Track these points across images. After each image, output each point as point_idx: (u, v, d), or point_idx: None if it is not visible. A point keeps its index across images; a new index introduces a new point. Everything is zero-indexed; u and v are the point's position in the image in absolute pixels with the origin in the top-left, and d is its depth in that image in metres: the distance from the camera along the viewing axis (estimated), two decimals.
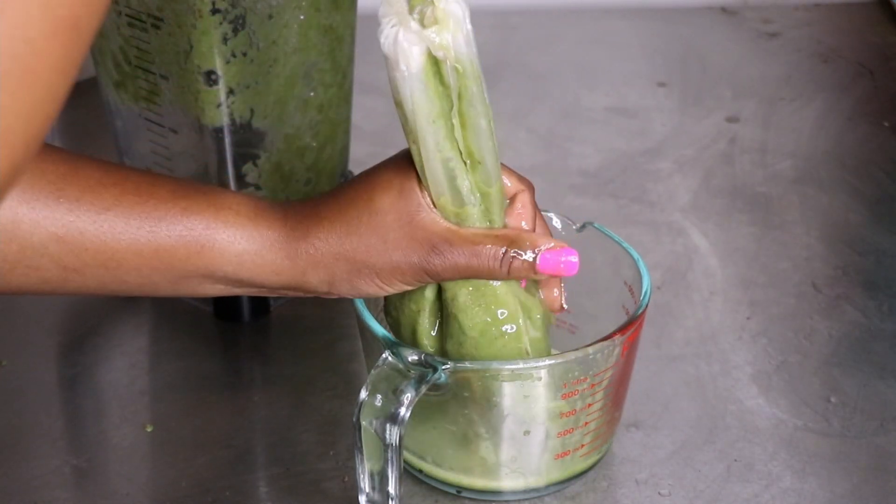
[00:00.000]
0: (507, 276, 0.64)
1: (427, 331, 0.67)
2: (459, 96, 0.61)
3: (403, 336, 0.68)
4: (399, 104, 0.61)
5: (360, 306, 0.68)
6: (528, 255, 0.64)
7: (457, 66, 0.59)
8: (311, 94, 0.82)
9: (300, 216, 0.64)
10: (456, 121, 0.61)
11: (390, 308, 0.69)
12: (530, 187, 0.67)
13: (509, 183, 0.66)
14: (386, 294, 0.66)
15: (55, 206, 0.59)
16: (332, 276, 0.64)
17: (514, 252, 0.63)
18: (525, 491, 0.70)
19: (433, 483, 0.71)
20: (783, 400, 0.78)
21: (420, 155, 0.62)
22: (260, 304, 0.86)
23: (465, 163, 0.62)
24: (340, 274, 0.64)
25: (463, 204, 0.63)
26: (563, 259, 0.64)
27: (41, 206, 0.58)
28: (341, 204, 0.64)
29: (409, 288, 0.65)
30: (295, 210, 0.65)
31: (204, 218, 0.62)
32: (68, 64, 0.40)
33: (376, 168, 0.65)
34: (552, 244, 0.64)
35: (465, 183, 0.63)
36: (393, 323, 0.69)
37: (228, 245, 0.63)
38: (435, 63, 0.60)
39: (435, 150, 0.61)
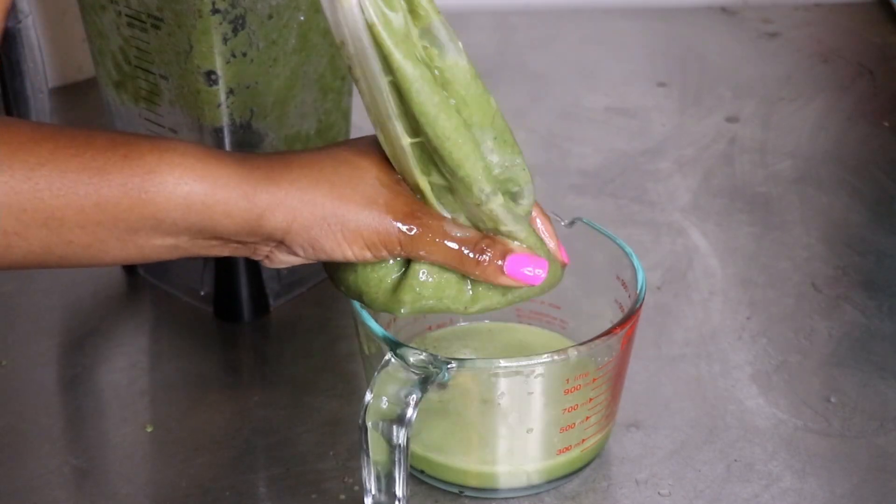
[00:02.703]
0: (475, 269, 0.63)
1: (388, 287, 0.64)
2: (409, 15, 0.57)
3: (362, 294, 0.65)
4: (342, 45, 0.58)
5: (360, 307, 0.68)
6: (498, 260, 0.63)
7: None
8: (311, 94, 0.82)
9: (262, 159, 0.61)
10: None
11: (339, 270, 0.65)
12: None
13: None
14: (335, 260, 0.63)
15: None
16: (291, 220, 0.60)
17: (488, 249, 0.63)
18: (526, 488, 0.70)
19: (433, 483, 0.71)
20: (783, 400, 0.78)
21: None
22: (260, 304, 0.86)
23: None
24: (302, 220, 0.60)
25: (405, 166, 0.60)
26: (530, 268, 0.64)
27: None
28: (317, 156, 0.61)
29: (362, 260, 0.62)
30: (255, 156, 0.61)
31: (146, 162, 0.58)
32: None
33: (358, 138, 0.63)
34: (523, 248, 0.63)
35: (400, 133, 0.59)
36: (345, 281, 0.65)
37: (174, 187, 0.58)
38: None
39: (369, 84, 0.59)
